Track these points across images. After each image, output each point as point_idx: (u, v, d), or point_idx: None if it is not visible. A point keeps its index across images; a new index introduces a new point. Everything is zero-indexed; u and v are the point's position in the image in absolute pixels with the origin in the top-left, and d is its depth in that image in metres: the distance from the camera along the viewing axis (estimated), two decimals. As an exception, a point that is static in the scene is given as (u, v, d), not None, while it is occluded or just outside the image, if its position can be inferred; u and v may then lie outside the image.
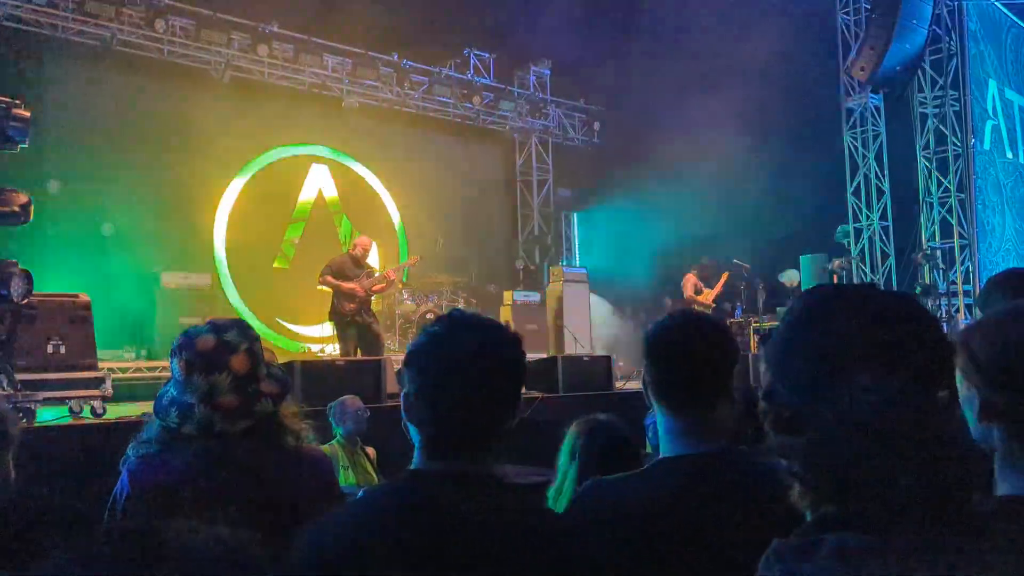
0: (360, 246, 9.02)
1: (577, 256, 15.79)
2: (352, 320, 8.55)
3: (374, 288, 8.93)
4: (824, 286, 1.04)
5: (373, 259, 10.97)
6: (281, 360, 7.08)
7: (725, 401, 1.71)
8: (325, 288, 8.76)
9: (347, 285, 8.54)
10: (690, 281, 11.50)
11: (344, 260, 8.90)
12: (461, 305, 12.49)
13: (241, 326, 2.00)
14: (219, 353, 1.91)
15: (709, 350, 1.73)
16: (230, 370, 1.90)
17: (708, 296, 11.42)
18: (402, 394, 1.48)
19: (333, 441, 5.08)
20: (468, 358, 1.43)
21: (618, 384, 7.95)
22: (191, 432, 1.88)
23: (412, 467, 1.48)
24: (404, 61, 13.25)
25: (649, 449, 2.29)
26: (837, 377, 0.93)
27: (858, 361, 0.93)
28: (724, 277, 11.57)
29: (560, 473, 2.47)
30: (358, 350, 8.47)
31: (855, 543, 0.89)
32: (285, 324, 12.05)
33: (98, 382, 5.32)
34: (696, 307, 11.16)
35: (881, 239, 13.47)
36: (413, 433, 1.49)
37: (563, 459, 2.48)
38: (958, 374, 1.14)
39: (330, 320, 8.87)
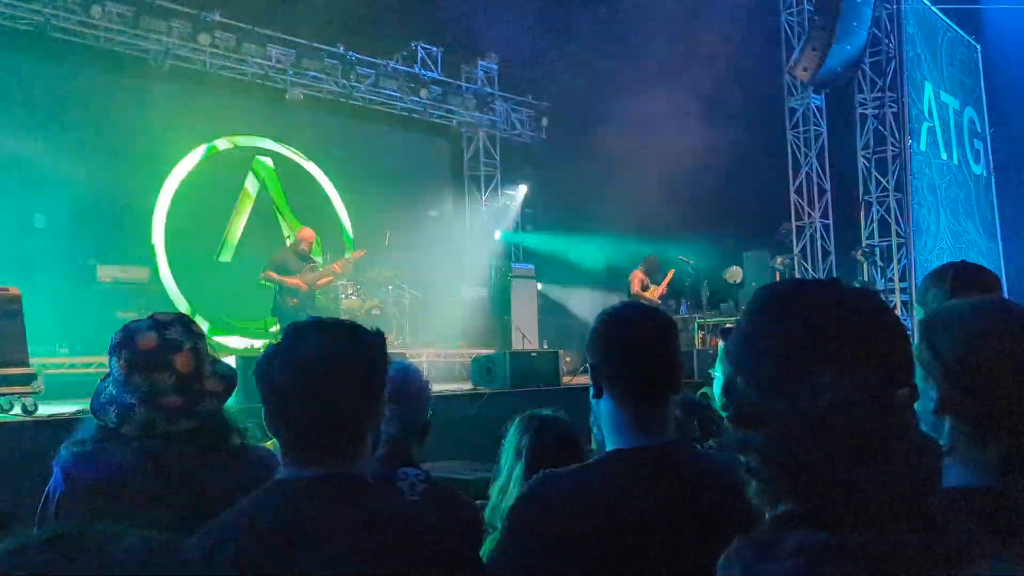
0: (304, 240, 8.89)
1: (523, 251, 15.81)
2: (296, 315, 8.42)
3: (318, 282, 8.81)
4: (787, 280, 1.03)
5: (318, 253, 10.82)
6: (223, 356, 6.93)
7: (674, 394, 1.72)
8: (268, 283, 8.61)
9: (290, 280, 8.41)
10: (636, 277, 11.59)
11: (287, 254, 8.77)
12: (407, 301, 12.41)
13: (185, 322, 1.91)
14: (162, 352, 1.83)
15: (663, 341, 1.74)
16: (173, 369, 1.82)
17: (655, 292, 11.52)
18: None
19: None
20: (311, 364, 1.43)
21: (565, 379, 7.96)
22: (130, 432, 1.80)
23: (276, 476, 1.48)
24: (350, 53, 13.08)
25: (594, 445, 2.28)
26: (797, 372, 0.92)
27: (818, 357, 0.92)
28: (670, 274, 11.68)
29: (504, 470, 2.43)
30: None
31: (815, 542, 0.88)
32: (227, 319, 11.81)
33: (29, 378, 5.14)
34: (642, 303, 11.24)
35: (822, 236, 13.74)
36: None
37: (507, 456, 2.45)
38: (917, 367, 1.15)
39: (273, 315, 8.73)
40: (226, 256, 12.09)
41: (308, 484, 1.42)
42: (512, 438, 2.47)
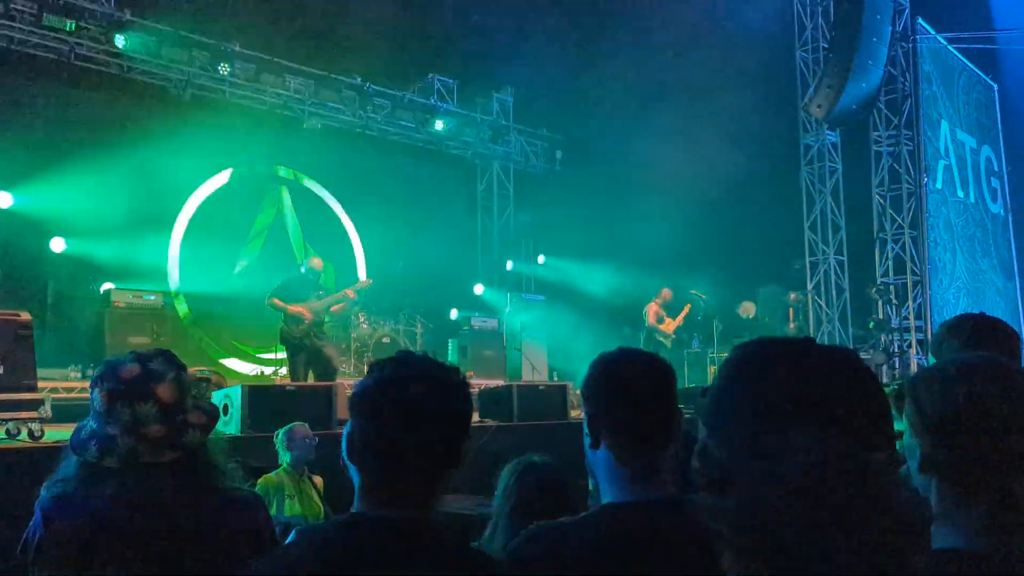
0: (312, 268, 8.90)
1: (535, 283, 15.80)
2: (301, 343, 8.39)
3: (332, 309, 8.82)
4: (761, 339, 1.00)
5: (330, 282, 10.84)
6: (232, 383, 6.92)
7: (671, 446, 1.65)
8: (274, 309, 8.63)
9: (294, 307, 8.40)
10: (652, 310, 11.55)
11: (295, 281, 8.78)
12: (418, 330, 12.41)
13: (166, 355, 1.90)
14: (144, 381, 1.82)
15: (663, 390, 1.67)
16: (156, 399, 1.80)
17: (670, 326, 11.47)
18: (345, 434, 1.46)
19: (279, 469, 4.96)
20: (416, 406, 1.42)
21: (574, 413, 7.90)
22: (113, 465, 1.77)
23: (355, 510, 1.46)
24: (367, 84, 13.22)
25: (591, 488, 2.24)
26: (767, 435, 0.89)
27: (790, 419, 0.88)
28: (686, 309, 11.63)
29: (494, 515, 2.41)
30: (310, 374, 8.33)
31: None
32: (238, 345, 11.85)
33: (36, 404, 5.15)
34: (657, 336, 11.22)
35: (836, 273, 13.67)
36: (353, 472, 1.47)
37: (497, 501, 2.42)
38: (905, 422, 1.12)
39: (281, 343, 8.73)
40: (239, 283, 12.15)
41: (394, 525, 1.41)
42: (502, 483, 2.44)
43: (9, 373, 5.11)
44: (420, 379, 1.45)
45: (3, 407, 5.04)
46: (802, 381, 0.91)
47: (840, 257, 13.69)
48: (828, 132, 13.46)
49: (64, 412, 6.52)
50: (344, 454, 1.46)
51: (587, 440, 1.68)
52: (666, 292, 11.68)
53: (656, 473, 1.63)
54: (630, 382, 1.66)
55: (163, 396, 1.82)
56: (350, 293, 9.04)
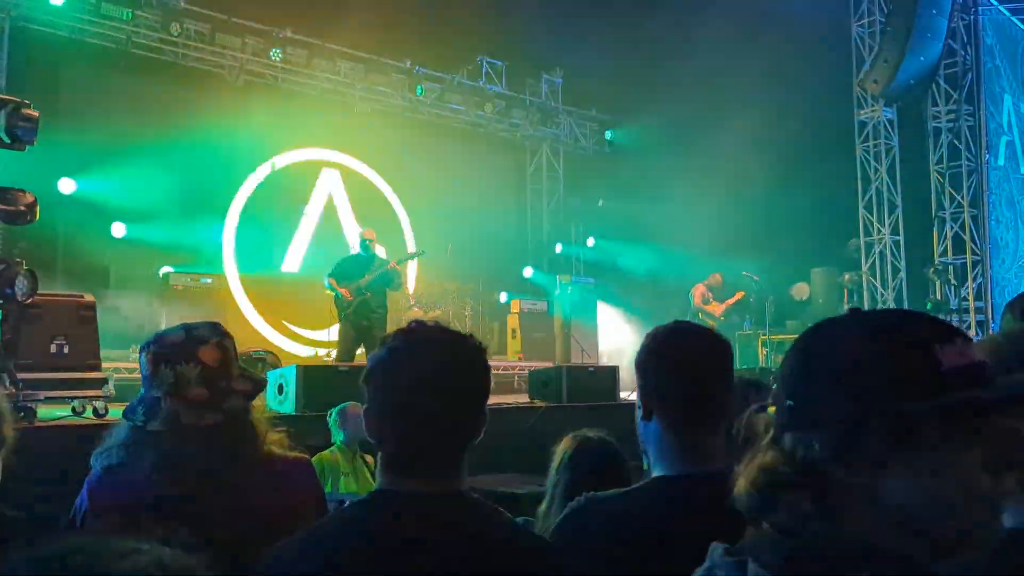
0: (364, 238, 8.97)
1: (585, 265, 15.76)
2: (347, 321, 8.54)
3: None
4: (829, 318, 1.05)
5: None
6: (286, 364, 7.05)
7: (726, 420, 1.63)
8: (328, 291, 8.78)
9: (341, 289, 8.56)
10: (699, 291, 11.46)
11: (349, 260, 8.88)
12: (467, 312, 12.48)
13: (213, 324, 1.96)
14: (188, 345, 1.87)
15: (718, 364, 1.67)
16: (198, 360, 1.85)
17: (716, 309, 11.35)
18: (363, 410, 1.44)
19: (333, 447, 5.06)
20: (429, 373, 1.39)
21: (623, 395, 7.89)
22: (157, 428, 1.81)
23: (377, 487, 1.44)
24: (416, 67, 13.27)
25: (646, 467, 2.23)
26: (786, 389, 1.03)
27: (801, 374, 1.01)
28: (738, 296, 11.49)
29: (549, 489, 2.42)
30: (361, 352, 8.47)
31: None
32: (292, 327, 12.05)
33: (100, 382, 5.31)
34: (701, 316, 11.12)
35: (892, 253, 13.37)
36: (376, 447, 1.45)
37: (551, 476, 2.43)
38: None
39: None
40: (292, 266, 12.34)
41: (416, 498, 1.37)
42: (557, 458, 2.45)
43: (74, 353, 5.28)
44: (433, 346, 1.42)
45: (69, 385, 5.21)
46: (816, 344, 1.04)
47: (896, 237, 13.38)
48: (884, 108, 13.13)
49: (127, 391, 6.72)
50: (365, 430, 1.44)
51: (639, 412, 1.68)
52: (717, 276, 11.57)
53: (707, 448, 1.62)
54: (683, 355, 1.66)
55: (205, 358, 1.86)
56: (394, 266, 9.06)
